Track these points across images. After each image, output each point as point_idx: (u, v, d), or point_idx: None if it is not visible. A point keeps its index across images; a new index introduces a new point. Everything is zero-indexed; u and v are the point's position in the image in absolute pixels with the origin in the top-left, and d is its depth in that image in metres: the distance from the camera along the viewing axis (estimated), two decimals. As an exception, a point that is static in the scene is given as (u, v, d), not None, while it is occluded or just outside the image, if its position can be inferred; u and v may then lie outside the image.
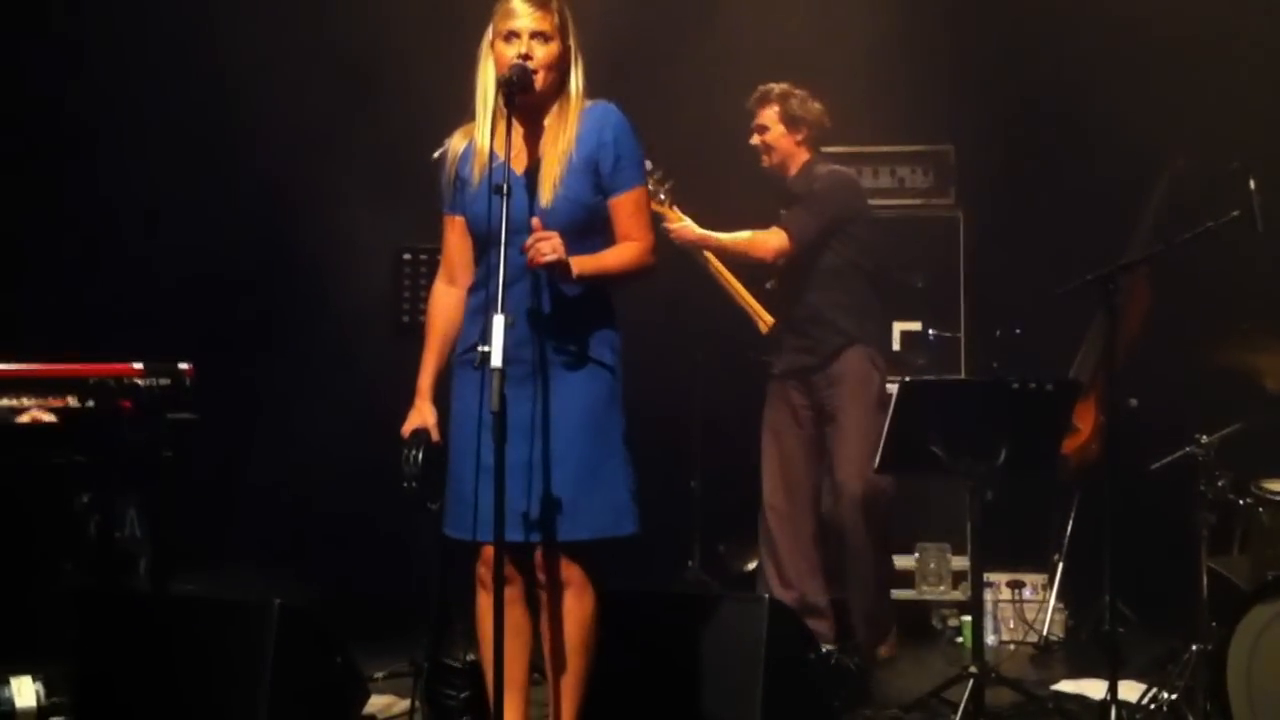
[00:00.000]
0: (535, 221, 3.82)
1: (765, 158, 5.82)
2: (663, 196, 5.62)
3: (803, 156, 5.79)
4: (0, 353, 4.85)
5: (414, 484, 3.92)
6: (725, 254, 5.78)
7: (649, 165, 5.36)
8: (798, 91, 5.77)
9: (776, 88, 5.78)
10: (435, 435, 4.01)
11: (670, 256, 5.69)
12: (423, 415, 4.05)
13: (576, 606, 3.96)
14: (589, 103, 3.99)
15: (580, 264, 3.86)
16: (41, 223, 6.33)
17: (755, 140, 5.81)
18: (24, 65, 6.35)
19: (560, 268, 3.81)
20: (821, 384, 5.72)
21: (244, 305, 6.74)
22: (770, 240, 5.66)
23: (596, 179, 3.95)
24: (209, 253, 6.57)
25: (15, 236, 6.24)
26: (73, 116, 6.42)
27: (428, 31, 6.19)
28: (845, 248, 5.71)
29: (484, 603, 3.99)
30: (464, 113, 4.02)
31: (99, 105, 6.42)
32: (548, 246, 3.78)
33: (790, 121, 5.75)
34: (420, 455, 3.94)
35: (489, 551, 3.85)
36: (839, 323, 5.69)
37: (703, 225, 5.70)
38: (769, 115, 5.77)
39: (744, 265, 5.81)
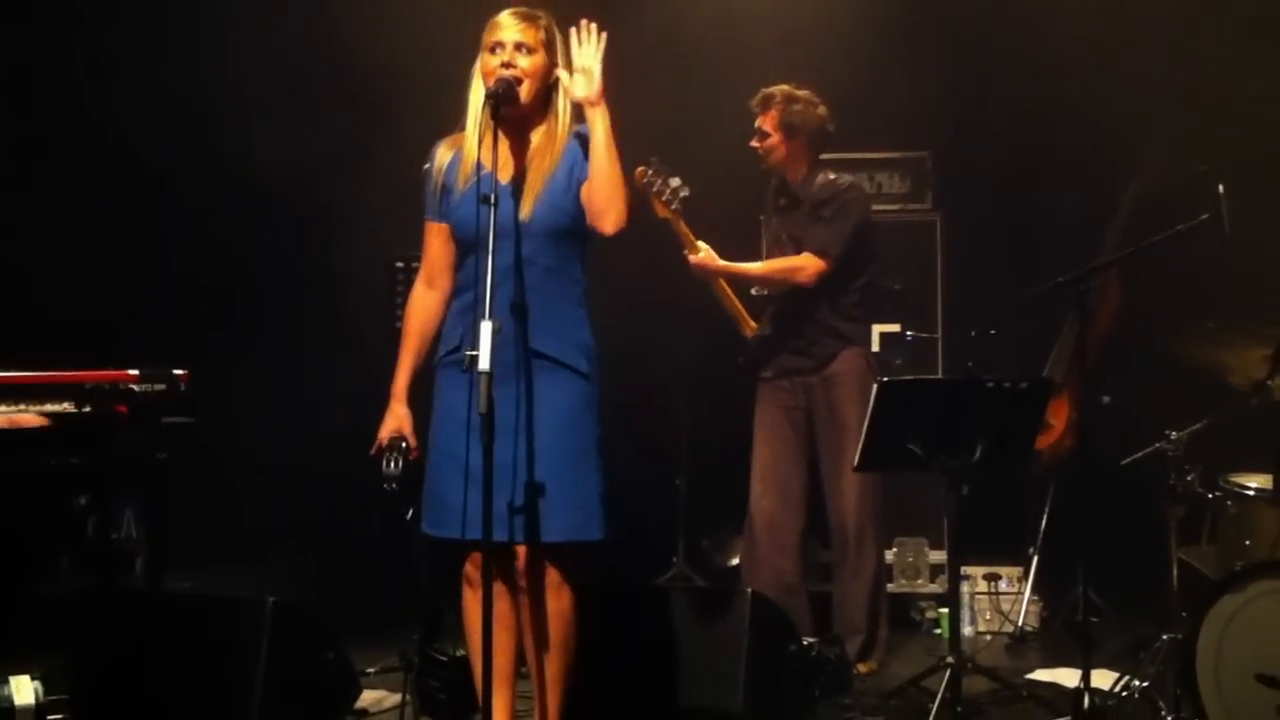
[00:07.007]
0: None
1: (766, 160, 5.80)
2: (676, 206, 5.51)
3: (803, 163, 5.75)
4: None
5: (395, 486, 4.02)
6: (759, 283, 5.80)
7: (654, 170, 5.47)
8: (801, 94, 5.69)
9: (779, 92, 5.70)
10: (413, 441, 4.09)
11: (661, 257, 5.80)
12: (398, 419, 4.12)
13: (554, 604, 4.04)
14: (577, 126, 4.08)
15: None
16: (40, 227, 6.36)
17: (755, 144, 5.77)
18: (36, 71, 6.39)
19: None
20: (818, 385, 5.71)
21: (239, 311, 6.75)
22: (809, 266, 5.61)
23: (580, 194, 4.05)
24: (207, 257, 6.62)
25: (14, 241, 6.30)
26: (70, 119, 6.44)
27: (422, 42, 6.23)
28: (848, 255, 5.69)
29: (470, 600, 4.07)
30: (457, 124, 4.11)
31: (97, 107, 6.44)
32: None
33: (788, 129, 5.68)
34: (401, 461, 4.04)
35: (475, 551, 3.93)
36: (837, 327, 5.70)
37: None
38: (768, 121, 5.71)
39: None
